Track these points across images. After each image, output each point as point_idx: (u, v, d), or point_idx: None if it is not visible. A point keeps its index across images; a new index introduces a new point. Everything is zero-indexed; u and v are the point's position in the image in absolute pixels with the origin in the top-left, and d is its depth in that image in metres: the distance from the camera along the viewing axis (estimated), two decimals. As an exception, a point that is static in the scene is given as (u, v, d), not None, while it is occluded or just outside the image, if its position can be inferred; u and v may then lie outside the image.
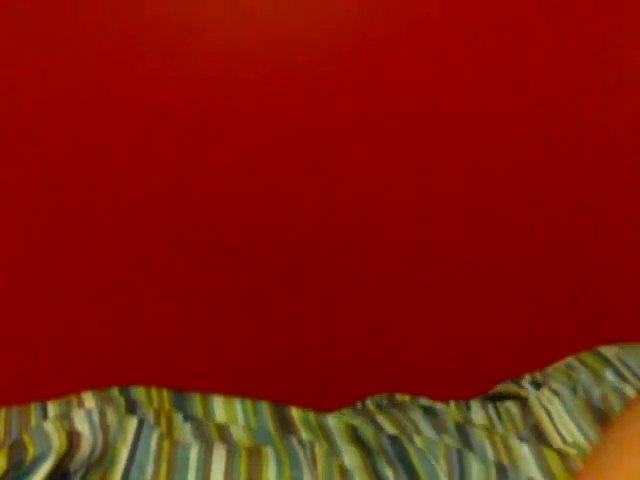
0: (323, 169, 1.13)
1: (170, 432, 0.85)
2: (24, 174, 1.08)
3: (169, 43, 1.05)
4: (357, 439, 0.89)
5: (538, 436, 0.92)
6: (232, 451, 0.82)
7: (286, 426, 0.91)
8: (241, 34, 1.06)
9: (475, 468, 0.86)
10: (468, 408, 1.05)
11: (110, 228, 1.13)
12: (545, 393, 0.98)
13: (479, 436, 0.91)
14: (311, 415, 0.95)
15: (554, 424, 0.93)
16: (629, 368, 1.01)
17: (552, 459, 0.86)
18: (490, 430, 0.94)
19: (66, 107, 1.06)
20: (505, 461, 0.86)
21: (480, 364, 1.27)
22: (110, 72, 1.05)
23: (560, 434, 0.91)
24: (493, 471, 0.85)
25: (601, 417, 0.93)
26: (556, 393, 0.98)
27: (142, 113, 1.07)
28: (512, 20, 1.10)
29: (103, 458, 0.78)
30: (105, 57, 1.04)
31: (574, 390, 0.99)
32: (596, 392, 0.97)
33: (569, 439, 0.90)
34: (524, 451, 0.87)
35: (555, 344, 1.28)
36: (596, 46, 1.12)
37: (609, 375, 1.00)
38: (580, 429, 0.91)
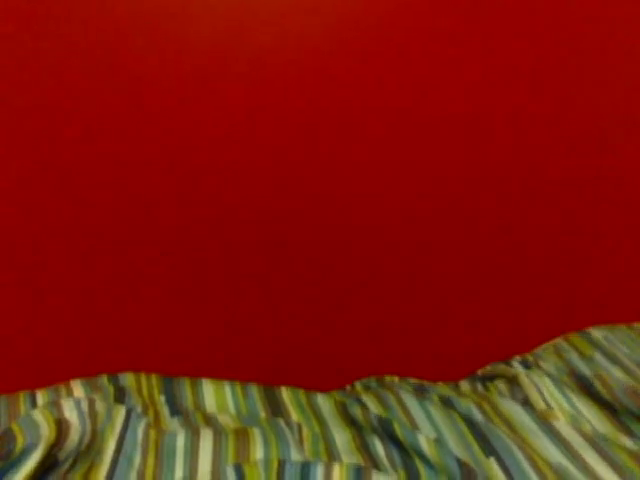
0: (323, 169, 1.13)
1: (157, 421, 0.86)
2: (24, 173, 1.07)
3: (167, 43, 1.03)
4: (347, 416, 0.90)
5: (525, 405, 0.93)
6: (219, 434, 0.83)
7: (276, 407, 0.92)
8: (241, 35, 1.05)
9: (451, 429, 0.87)
10: (456, 386, 1.06)
11: (103, 220, 1.12)
12: (535, 371, 1.00)
13: (464, 402, 0.93)
14: (301, 394, 0.96)
15: (543, 396, 0.94)
16: (617, 349, 1.02)
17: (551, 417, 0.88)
18: (477, 398, 0.96)
19: (63, 106, 1.05)
20: (498, 423, 0.88)
21: (470, 352, 1.27)
22: (109, 71, 1.04)
23: (547, 403, 0.93)
24: (471, 435, 0.86)
25: (590, 391, 0.94)
26: (546, 371, 0.99)
27: (140, 112, 1.06)
28: (510, 20, 1.08)
29: (91, 447, 0.79)
30: (103, 56, 1.03)
31: (563, 369, 1.00)
32: (587, 372, 0.98)
33: (555, 407, 0.92)
34: (522, 417, 0.88)
35: (544, 331, 1.28)
36: (596, 45, 1.11)
37: (598, 356, 1.01)
38: (567, 399, 0.93)
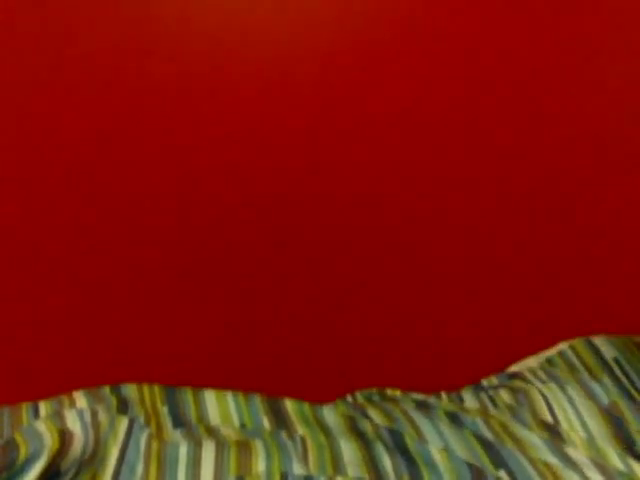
0: (324, 170, 1.13)
1: (160, 432, 0.86)
2: (24, 174, 1.08)
3: (169, 43, 1.04)
4: (355, 430, 0.90)
5: (544, 427, 0.92)
6: (221, 446, 0.83)
7: (280, 420, 0.92)
8: (242, 35, 1.06)
9: (461, 444, 0.87)
10: (461, 399, 1.05)
11: (104, 225, 1.13)
12: (552, 389, 0.98)
13: (471, 418, 0.92)
14: (306, 407, 0.95)
15: (556, 418, 0.93)
16: (627, 375, 1.01)
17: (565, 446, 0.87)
18: (484, 413, 0.95)
19: (63, 105, 1.06)
20: (508, 444, 0.86)
21: (472, 356, 1.28)
22: (110, 71, 1.05)
23: (561, 427, 0.91)
24: (478, 446, 0.86)
25: (614, 426, 0.93)
26: (569, 398, 0.97)
27: (141, 113, 1.07)
28: (509, 19, 1.09)
29: (94, 457, 0.79)
30: (104, 56, 1.04)
31: (583, 395, 0.98)
32: (604, 399, 0.97)
33: (570, 430, 0.90)
34: (532, 438, 0.87)
35: (544, 332, 1.29)
36: (597, 45, 1.12)
37: (607, 381, 1.00)
38: (585, 427, 0.91)
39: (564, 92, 1.15)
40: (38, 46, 1.04)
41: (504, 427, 0.90)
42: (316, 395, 1.27)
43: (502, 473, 0.80)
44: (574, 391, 0.98)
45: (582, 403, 0.96)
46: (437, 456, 0.82)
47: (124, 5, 1.04)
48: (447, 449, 0.84)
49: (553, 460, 0.83)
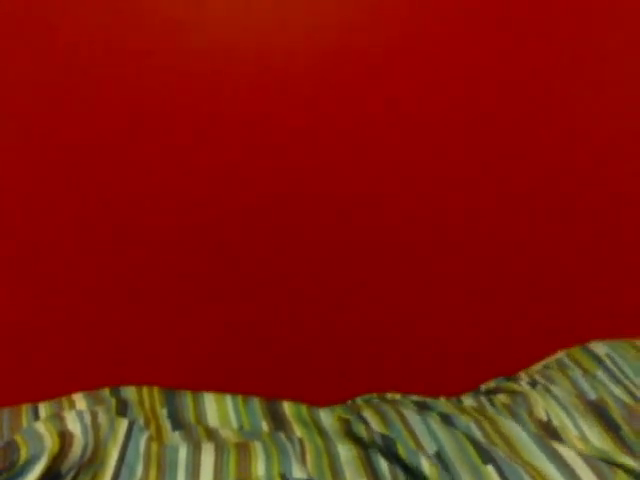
0: (324, 171, 1.13)
1: (159, 435, 0.86)
2: (24, 175, 1.08)
3: (170, 43, 1.04)
4: (351, 433, 0.90)
5: (540, 426, 0.92)
6: (221, 448, 0.83)
7: (278, 422, 0.92)
8: (242, 35, 1.06)
9: (453, 444, 0.87)
10: (459, 402, 1.06)
11: (104, 226, 1.13)
12: (543, 394, 0.99)
13: (464, 420, 0.93)
14: (304, 409, 0.96)
15: (549, 418, 0.94)
16: (619, 368, 1.02)
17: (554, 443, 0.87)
18: (478, 415, 0.95)
19: (63, 106, 1.05)
20: (499, 444, 0.87)
21: (473, 363, 1.28)
22: (110, 72, 1.05)
23: (553, 425, 0.92)
24: (471, 447, 0.86)
25: (597, 413, 0.93)
26: (554, 395, 0.98)
27: (139, 113, 1.07)
28: (509, 20, 1.09)
29: (94, 459, 0.79)
30: (105, 57, 1.04)
31: (571, 391, 0.99)
32: (592, 394, 0.98)
33: (561, 428, 0.91)
34: (522, 436, 0.88)
35: (545, 342, 1.29)
36: (598, 45, 1.12)
37: (600, 375, 1.01)
38: (574, 422, 0.92)
39: (564, 92, 1.15)
40: (38, 46, 1.04)
41: (494, 426, 0.91)
42: (316, 398, 1.28)
43: (490, 467, 0.81)
44: (565, 390, 1.00)
45: (572, 401, 0.97)
46: (427, 468, 0.82)
47: (124, 5, 1.04)
48: (439, 455, 0.85)
49: (544, 462, 0.83)
